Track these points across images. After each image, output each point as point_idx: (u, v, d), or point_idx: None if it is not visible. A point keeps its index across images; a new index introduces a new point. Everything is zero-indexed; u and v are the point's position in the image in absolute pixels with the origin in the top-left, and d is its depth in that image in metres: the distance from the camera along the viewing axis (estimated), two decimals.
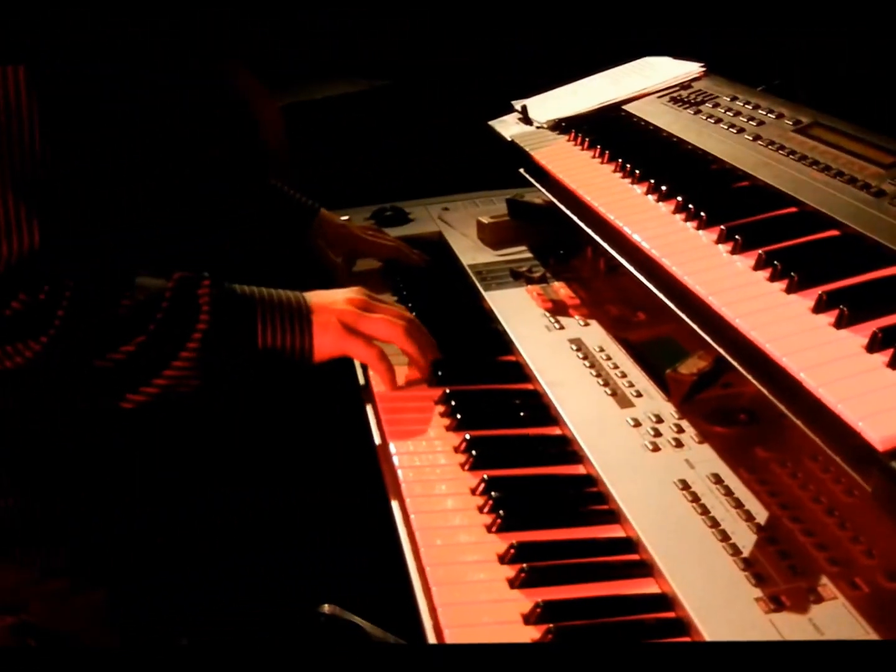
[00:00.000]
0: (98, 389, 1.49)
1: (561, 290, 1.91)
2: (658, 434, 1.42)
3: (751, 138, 1.69)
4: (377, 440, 1.56)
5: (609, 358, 1.64)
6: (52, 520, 1.59)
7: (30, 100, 1.39)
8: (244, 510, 1.80)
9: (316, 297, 1.63)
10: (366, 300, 1.65)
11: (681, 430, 1.43)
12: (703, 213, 1.45)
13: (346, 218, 2.30)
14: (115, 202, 1.57)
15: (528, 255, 2.10)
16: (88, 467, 1.61)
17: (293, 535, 1.81)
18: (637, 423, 1.46)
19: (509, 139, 2.04)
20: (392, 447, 1.50)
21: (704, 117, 1.84)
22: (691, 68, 2.11)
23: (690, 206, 1.48)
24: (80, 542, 1.61)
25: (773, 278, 1.27)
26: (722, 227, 1.40)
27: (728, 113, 1.83)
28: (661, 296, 1.40)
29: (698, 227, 1.44)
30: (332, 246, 2.12)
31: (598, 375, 1.59)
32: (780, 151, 1.62)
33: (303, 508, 1.83)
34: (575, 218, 1.72)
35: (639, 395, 1.53)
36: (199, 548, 1.71)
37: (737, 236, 1.36)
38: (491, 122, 2.16)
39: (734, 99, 1.89)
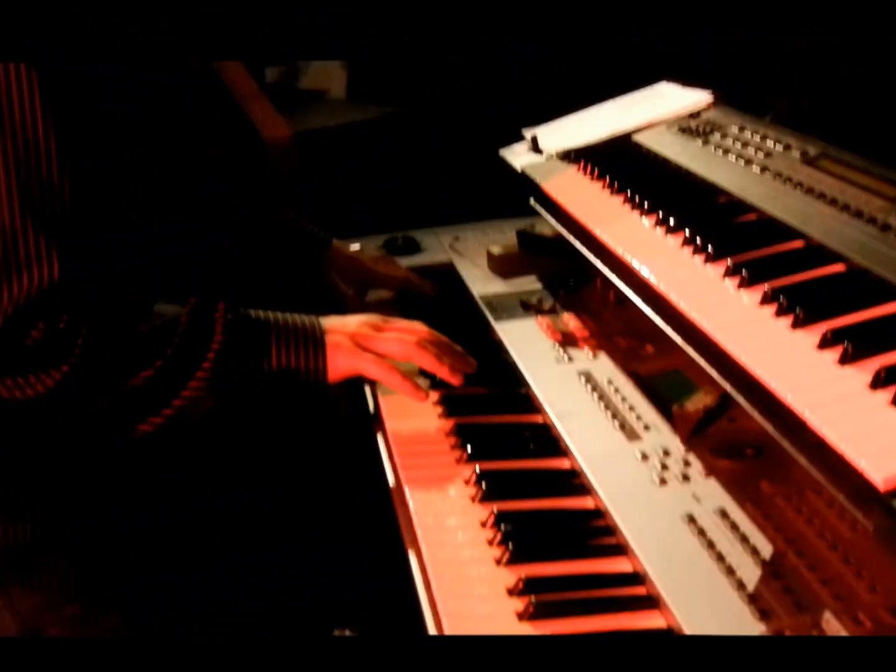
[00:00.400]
0: (118, 414, 1.52)
1: (570, 321, 1.93)
2: (665, 468, 1.45)
3: (758, 170, 1.72)
4: (389, 471, 1.59)
5: (618, 391, 1.66)
6: (65, 543, 1.61)
7: (45, 125, 1.42)
8: (244, 510, 1.82)
9: (329, 321, 1.67)
10: (377, 322, 1.69)
11: (688, 463, 1.45)
12: (710, 247, 1.47)
13: (357, 247, 2.33)
14: (121, 203, 1.61)
15: (538, 285, 2.13)
16: (89, 467, 1.64)
17: (293, 535, 1.83)
18: (645, 457, 1.48)
19: (520, 169, 2.06)
20: (403, 477, 1.53)
21: (713, 148, 1.87)
22: (700, 97, 2.14)
23: (698, 239, 1.50)
24: (81, 543, 1.63)
25: (778, 314, 1.29)
26: (729, 261, 1.42)
27: (736, 143, 1.85)
28: (668, 330, 1.43)
29: (706, 261, 1.46)
30: (344, 276, 2.16)
31: (607, 408, 1.62)
32: (788, 183, 1.64)
33: (303, 508, 1.85)
34: (583, 249, 1.74)
35: (647, 428, 1.55)
36: (199, 548, 1.73)
37: (743, 271, 1.38)
38: (502, 151, 2.19)
39: (742, 129, 1.91)
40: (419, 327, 1.70)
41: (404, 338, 1.66)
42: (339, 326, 1.65)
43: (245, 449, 1.87)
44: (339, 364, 1.62)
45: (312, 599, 1.77)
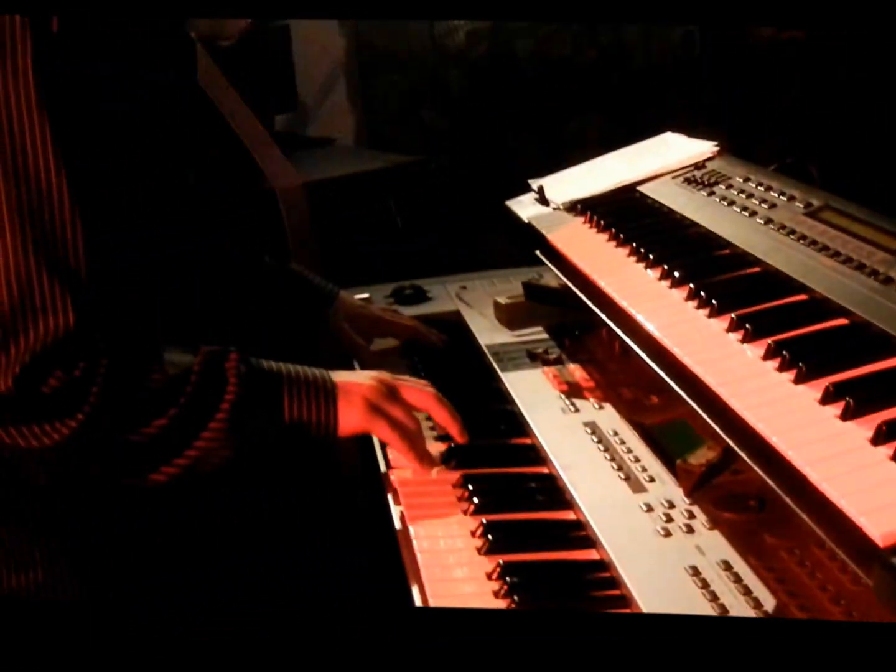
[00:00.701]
0: (131, 463, 1.53)
1: (576, 371, 1.95)
2: (670, 519, 1.46)
3: (762, 222, 1.74)
4: (397, 525, 1.60)
5: (623, 442, 1.68)
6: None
7: (59, 175, 1.44)
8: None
9: (341, 375, 1.68)
10: (390, 379, 1.70)
11: (692, 515, 1.46)
12: (714, 301, 1.49)
13: (365, 296, 2.36)
14: (133, 252, 1.61)
15: (545, 335, 2.15)
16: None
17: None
18: (649, 509, 1.49)
19: (526, 220, 2.09)
20: (412, 531, 1.54)
21: (718, 199, 1.89)
22: (705, 147, 2.16)
23: (702, 293, 1.53)
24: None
25: (781, 368, 1.31)
26: (732, 315, 1.44)
27: (741, 195, 1.87)
28: (672, 384, 1.44)
29: (710, 315, 1.49)
30: (352, 327, 2.17)
31: (612, 459, 1.63)
32: (791, 236, 1.66)
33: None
34: (589, 302, 1.76)
35: (651, 479, 1.57)
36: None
37: (747, 325, 1.40)
38: (508, 203, 2.22)
39: (747, 180, 1.93)
40: (430, 388, 1.72)
41: (424, 389, 1.69)
42: (352, 381, 1.66)
43: None
44: (351, 421, 1.63)
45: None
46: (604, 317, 1.70)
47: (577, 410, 1.80)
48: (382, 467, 1.74)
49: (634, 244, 1.77)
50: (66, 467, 1.52)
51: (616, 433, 1.71)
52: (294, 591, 1.77)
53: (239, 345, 1.65)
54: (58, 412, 1.44)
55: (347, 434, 1.64)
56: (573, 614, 1.33)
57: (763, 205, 1.80)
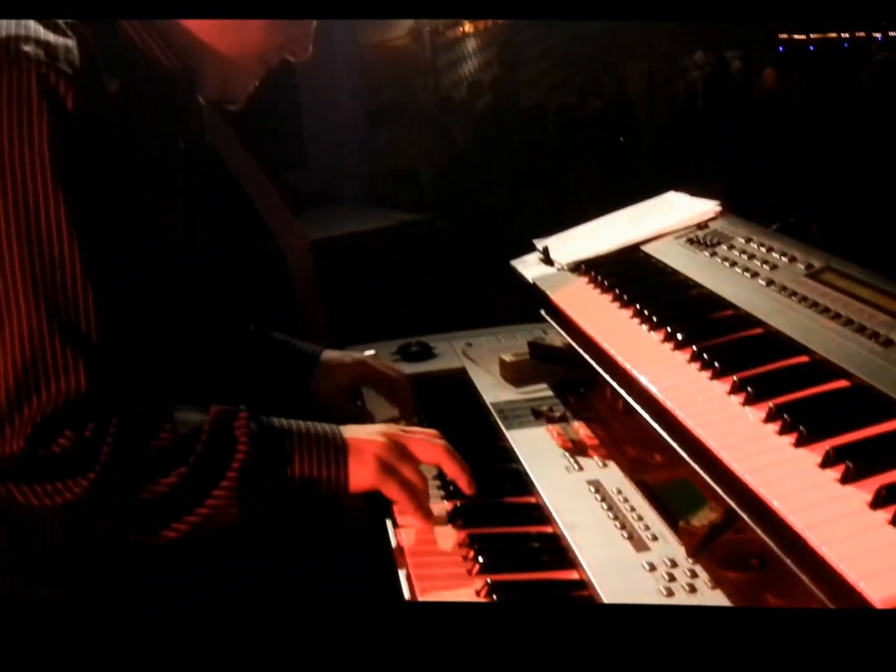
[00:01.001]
0: (142, 521, 1.55)
1: (580, 429, 1.97)
2: (672, 579, 1.47)
3: (764, 283, 1.77)
4: (403, 583, 1.62)
5: (626, 500, 1.70)
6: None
7: (71, 242, 1.48)
8: None
9: (350, 431, 1.69)
10: (400, 434, 1.72)
11: (694, 574, 1.48)
12: (716, 364, 1.52)
13: (371, 352, 2.38)
14: (142, 314, 1.65)
15: (549, 392, 2.17)
16: None
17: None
18: (652, 568, 1.51)
19: (531, 281, 2.12)
20: (417, 588, 1.56)
21: (720, 260, 1.92)
22: (708, 207, 2.20)
23: (704, 355, 1.55)
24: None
25: (782, 431, 1.33)
26: (734, 378, 1.47)
27: (743, 256, 1.90)
28: (675, 445, 1.47)
29: (712, 378, 1.51)
30: (333, 375, 2.15)
31: (616, 518, 1.65)
32: (793, 297, 1.69)
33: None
34: (593, 362, 1.79)
35: (654, 538, 1.58)
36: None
37: (748, 388, 1.43)
38: (513, 262, 2.25)
39: (749, 240, 1.96)
40: (438, 439, 1.74)
41: (433, 441, 1.71)
42: (362, 438, 1.68)
43: None
44: (361, 478, 1.65)
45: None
46: (608, 377, 1.72)
47: (581, 469, 1.82)
48: (389, 527, 1.75)
49: (638, 305, 1.80)
50: (78, 525, 1.54)
51: (620, 491, 1.73)
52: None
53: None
54: (69, 472, 1.47)
55: (357, 491, 1.66)
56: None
57: (765, 266, 1.83)
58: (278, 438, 1.63)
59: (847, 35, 13.47)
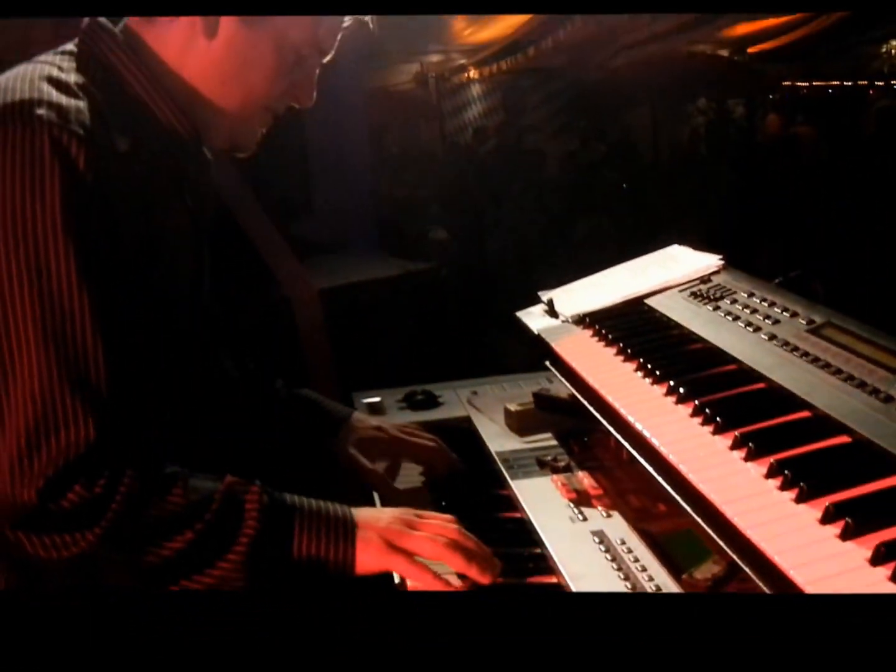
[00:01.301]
0: (146, 578, 1.56)
1: (585, 479, 1.99)
2: None
3: (766, 338, 1.80)
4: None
5: (630, 551, 1.72)
6: None
7: (81, 295, 1.51)
8: None
9: (362, 513, 1.69)
10: (411, 518, 1.70)
11: None
12: (718, 419, 1.55)
13: (377, 399, 2.41)
14: (150, 365, 1.67)
15: (554, 441, 2.19)
16: None
17: None
18: None
19: (536, 332, 2.15)
20: None
21: (723, 314, 1.96)
22: (710, 261, 2.24)
23: (707, 410, 1.59)
24: None
25: (783, 487, 1.36)
26: (736, 433, 1.50)
27: (745, 310, 1.94)
28: (678, 499, 1.49)
29: (714, 432, 1.54)
30: (367, 452, 2.13)
31: (619, 569, 1.67)
32: (794, 353, 1.72)
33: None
34: (597, 414, 1.82)
35: (658, 589, 1.60)
36: None
37: (750, 444, 1.46)
38: (518, 314, 2.28)
39: (751, 295, 2.00)
40: (451, 526, 1.70)
41: (437, 539, 1.67)
42: (372, 521, 1.67)
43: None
44: (368, 560, 1.64)
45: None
46: (612, 430, 1.75)
47: (585, 519, 1.84)
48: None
49: (641, 359, 1.83)
50: (85, 576, 1.56)
51: (623, 542, 1.75)
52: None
53: (248, 467, 1.68)
54: (77, 525, 1.49)
55: (364, 573, 1.65)
56: None
57: (767, 320, 1.86)
58: (288, 516, 1.63)
59: (850, 83, 13.58)
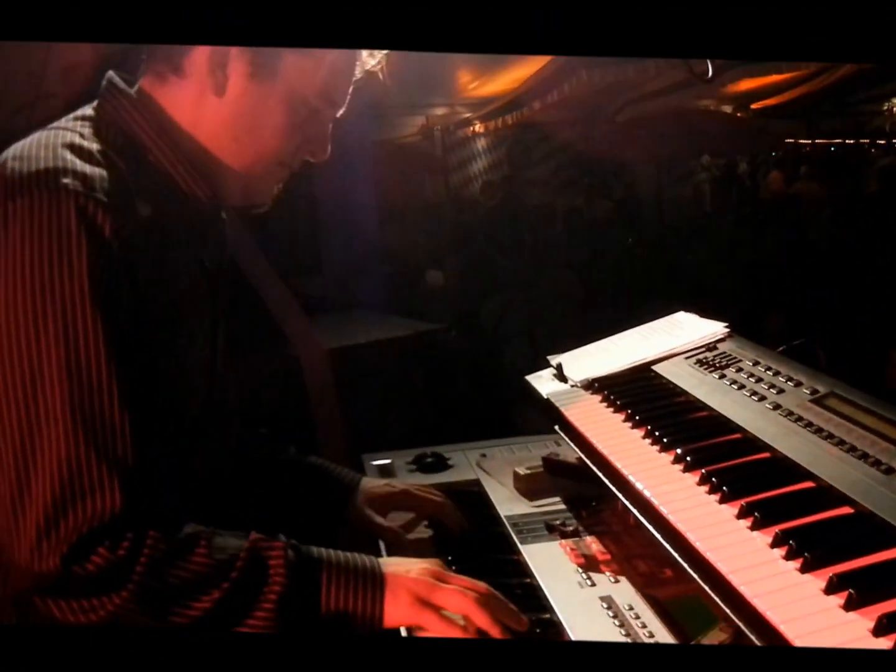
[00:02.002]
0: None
1: (593, 544, 2.03)
2: None
3: (771, 407, 1.86)
4: None
5: (638, 617, 1.75)
6: None
7: (109, 366, 1.54)
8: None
9: (390, 566, 1.71)
10: (440, 571, 1.73)
11: None
12: (725, 488, 1.60)
13: (388, 461, 2.45)
14: (171, 431, 1.71)
15: (562, 506, 2.23)
16: None
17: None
18: None
19: (545, 396, 2.20)
20: None
21: (728, 383, 2.01)
22: (716, 328, 2.29)
23: (714, 479, 1.64)
24: None
25: (788, 557, 1.42)
26: (742, 502, 1.55)
27: (750, 379, 1.99)
28: (686, 566, 1.54)
29: (721, 501, 1.59)
30: (378, 508, 2.18)
31: (628, 635, 1.71)
32: (798, 423, 1.78)
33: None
34: (606, 480, 1.86)
35: None
36: None
37: (756, 513, 1.51)
38: (528, 378, 2.34)
39: (756, 363, 2.05)
40: (480, 585, 1.73)
41: (467, 593, 1.69)
42: (402, 573, 1.69)
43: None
44: (397, 614, 1.66)
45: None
46: (621, 496, 1.80)
47: (593, 584, 1.88)
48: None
49: (649, 427, 1.88)
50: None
51: (631, 608, 1.79)
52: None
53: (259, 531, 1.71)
54: (104, 588, 1.51)
55: (392, 626, 1.67)
56: None
57: (771, 389, 1.92)
58: (316, 570, 1.64)
59: (852, 141, 13.70)
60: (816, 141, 14.45)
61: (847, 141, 14.01)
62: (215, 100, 1.75)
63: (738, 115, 14.41)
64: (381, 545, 2.11)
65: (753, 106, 14.39)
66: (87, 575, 1.50)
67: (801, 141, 14.65)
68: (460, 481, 2.45)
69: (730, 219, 9.10)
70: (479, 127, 13.69)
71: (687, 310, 2.46)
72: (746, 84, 12.08)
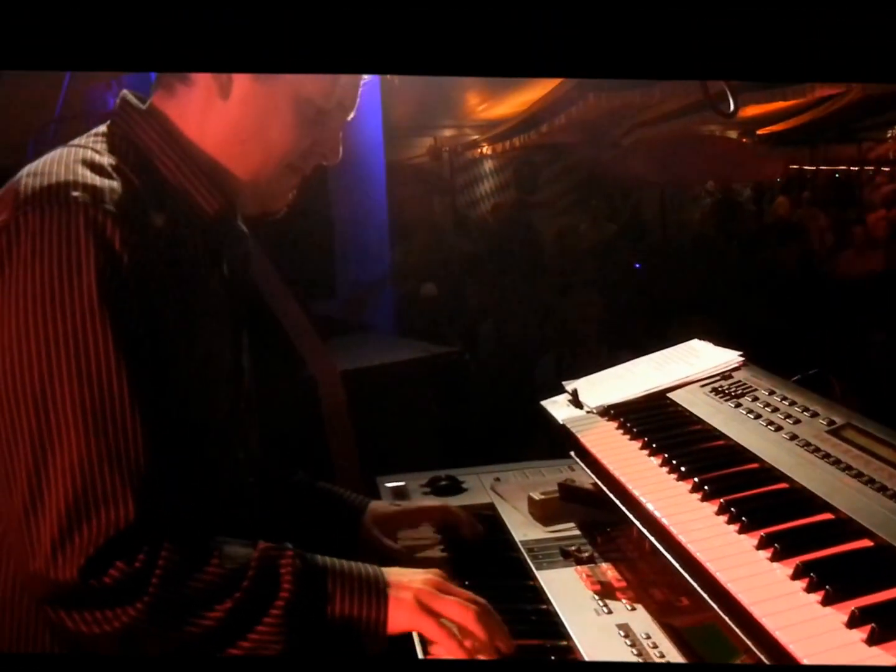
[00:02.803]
0: (183, 650, 1.58)
1: (609, 571, 2.03)
2: None
3: (787, 437, 1.86)
4: None
5: (655, 646, 1.75)
6: None
7: (119, 373, 1.55)
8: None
9: (394, 575, 1.74)
10: (442, 581, 1.76)
11: None
12: (744, 518, 1.60)
13: (401, 483, 2.45)
14: (184, 442, 1.70)
15: (577, 531, 2.23)
16: None
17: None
18: None
19: (561, 422, 2.21)
20: None
21: (744, 412, 2.01)
22: (731, 357, 2.30)
23: (733, 509, 1.64)
24: None
25: (809, 589, 1.41)
26: (762, 533, 1.55)
27: (766, 408, 1.99)
28: (705, 596, 1.54)
29: (740, 531, 1.59)
30: (386, 528, 2.21)
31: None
32: (815, 453, 1.78)
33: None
34: (623, 508, 1.86)
35: None
36: None
37: (776, 544, 1.51)
38: (543, 403, 2.34)
39: (772, 393, 2.05)
40: (479, 599, 1.76)
41: (468, 605, 1.72)
42: (405, 582, 1.73)
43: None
44: (400, 620, 1.69)
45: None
46: (638, 524, 1.79)
47: (610, 612, 1.87)
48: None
49: (666, 455, 1.88)
50: (126, 650, 1.59)
51: (648, 636, 1.78)
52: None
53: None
54: (119, 601, 1.52)
55: (395, 633, 1.70)
56: None
57: (788, 420, 1.92)
58: (322, 577, 1.68)
59: (856, 168, 13.72)
60: (821, 168, 14.49)
61: (852, 168, 14.05)
62: (221, 104, 1.77)
63: (744, 140, 14.46)
64: None
65: (759, 132, 14.44)
66: (104, 587, 1.51)
67: (807, 167, 14.68)
68: (474, 505, 2.45)
69: (736, 244, 9.10)
70: (487, 149, 13.75)
71: (690, 335, 2.46)
72: (752, 110, 12.13)
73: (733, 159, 12.91)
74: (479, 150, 13.94)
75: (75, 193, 1.58)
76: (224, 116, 1.78)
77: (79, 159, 1.66)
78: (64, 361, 1.53)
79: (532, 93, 11.18)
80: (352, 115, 1.89)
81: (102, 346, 1.54)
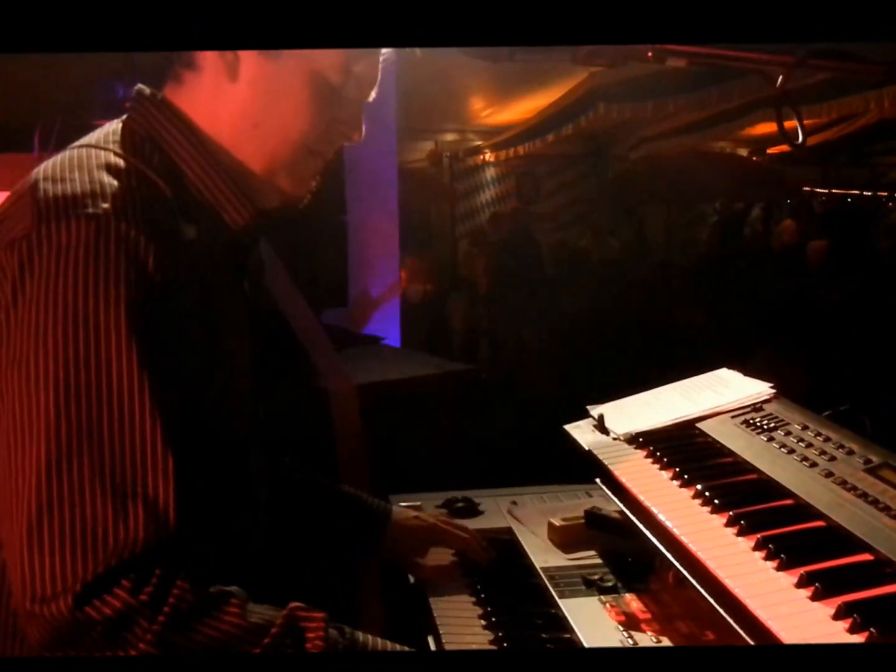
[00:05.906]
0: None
1: (632, 602, 2.06)
2: None
3: (823, 474, 1.89)
4: None
5: None
6: None
7: (142, 395, 1.49)
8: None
9: None
10: None
11: None
12: (783, 555, 1.63)
13: (417, 503, 2.48)
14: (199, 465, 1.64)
15: (598, 560, 2.27)
16: None
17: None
18: None
19: (586, 448, 2.24)
20: None
21: (777, 446, 2.04)
22: (761, 388, 2.33)
23: (771, 545, 1.67)
24: None
25: (852, 630, 1.45)
26: (802, 571, 1.58)
27: (800, 444, 2.02)
28: (742, 633, 1.56)
29: (778, 568, 1.63)
30: (407, 541, 2.26)
31: None
32: (853, 492, 1.81)
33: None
34: (654, 539, 1.88)
35: None
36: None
37: (817, 583, 1.54)
38: (567, 427, 2.37)
39: (805, 428, 2.09)
40: None
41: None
42: None
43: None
44: None
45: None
46: (670, 556, 1.82)
47: (635, 643, 1.90)
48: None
49: (699, 487, 1.92)
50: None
51: None
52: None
53: (290, 559, 1.70)
54: (115, 641, 1.41)
55: None
56: None
57: (822, 456, 1.95)
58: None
59: (869, 193, 13.79)
60: (833, 191, 14.56)
61: (864, 193, 14.13)
62: (230, 87, 1.74)
63: (754, 158, 14.52)
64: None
65: (770, 151, 14.50)
66: (101, 620, 1.40)
67: (818, 190, 14.75)
68: (492, 529, 2.48)
69: (740, 265, 9.15)
70: (489, 156, 13.78)
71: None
72: (763, 128, 12.19)
73: (743, 178, 12.95)
74: (481, 157, 13.95)
75: (105, 205, 1.52)
76: (234, 100, 1.74)
77: (101, 164, 1.61)
78: (83, 385, 1.46)
79: (539, 100, 11.22)
80: (373, 95, 1.85)
81: (126, 371, 1.48)
